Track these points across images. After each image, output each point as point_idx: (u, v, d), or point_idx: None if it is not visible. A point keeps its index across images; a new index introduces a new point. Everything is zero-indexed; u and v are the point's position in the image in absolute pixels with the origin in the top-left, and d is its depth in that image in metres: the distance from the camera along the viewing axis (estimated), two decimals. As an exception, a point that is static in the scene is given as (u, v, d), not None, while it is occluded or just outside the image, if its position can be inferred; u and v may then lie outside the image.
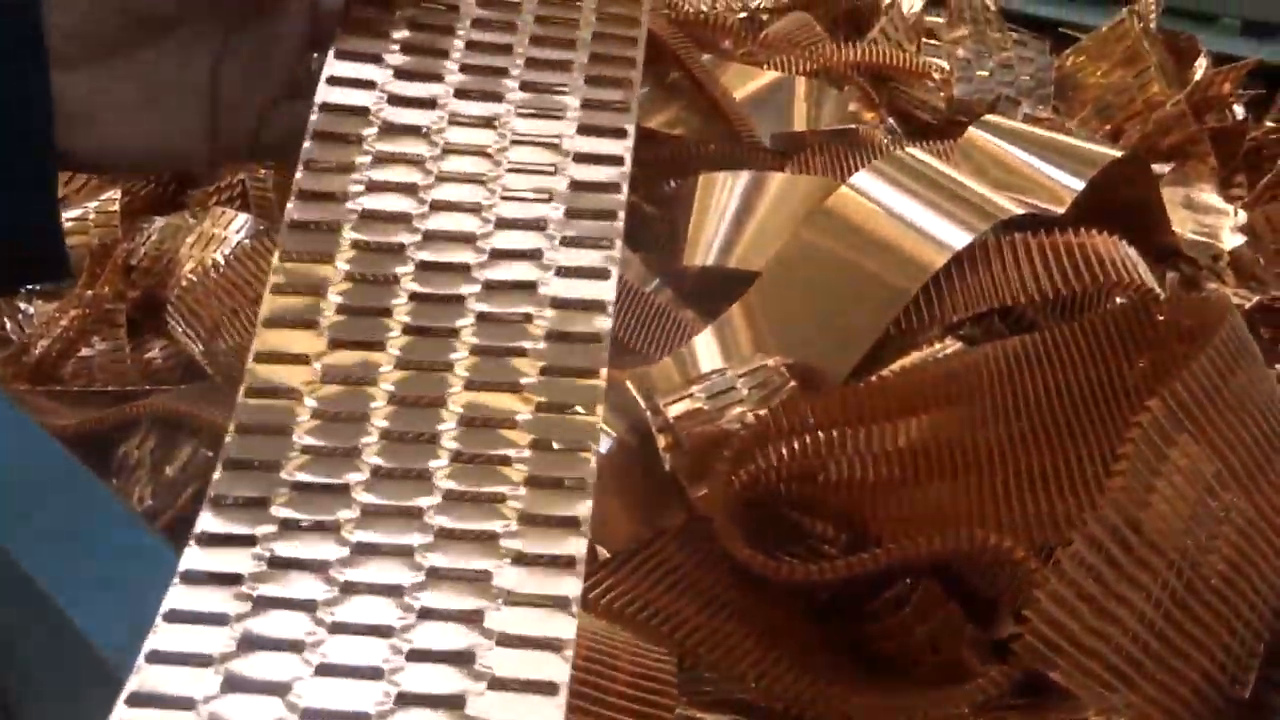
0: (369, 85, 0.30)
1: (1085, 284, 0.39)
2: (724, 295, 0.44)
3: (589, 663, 0.31)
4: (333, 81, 0.30)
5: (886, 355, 0.41)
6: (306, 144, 0.29)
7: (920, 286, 0.40)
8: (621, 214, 0.29)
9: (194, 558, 0.23)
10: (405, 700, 0.21)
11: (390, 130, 0.30)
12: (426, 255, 0.28)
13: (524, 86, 0.30)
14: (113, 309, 0.55)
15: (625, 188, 0.29)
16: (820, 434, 0.38)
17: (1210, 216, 0.54)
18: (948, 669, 0.37)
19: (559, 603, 0.22)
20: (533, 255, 0.28)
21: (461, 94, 0.30)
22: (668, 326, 0.43)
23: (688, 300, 0.45)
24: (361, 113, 0.30)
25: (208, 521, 0.24)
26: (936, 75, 0.55)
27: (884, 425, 0.38)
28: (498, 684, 0.21)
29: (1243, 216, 0.53)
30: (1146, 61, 0.61)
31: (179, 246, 0.57)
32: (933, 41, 0.64)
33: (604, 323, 0.27)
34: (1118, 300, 0.41)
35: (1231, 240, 0.51)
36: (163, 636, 0.22)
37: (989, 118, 0.46)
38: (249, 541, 0.23)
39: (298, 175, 0.29)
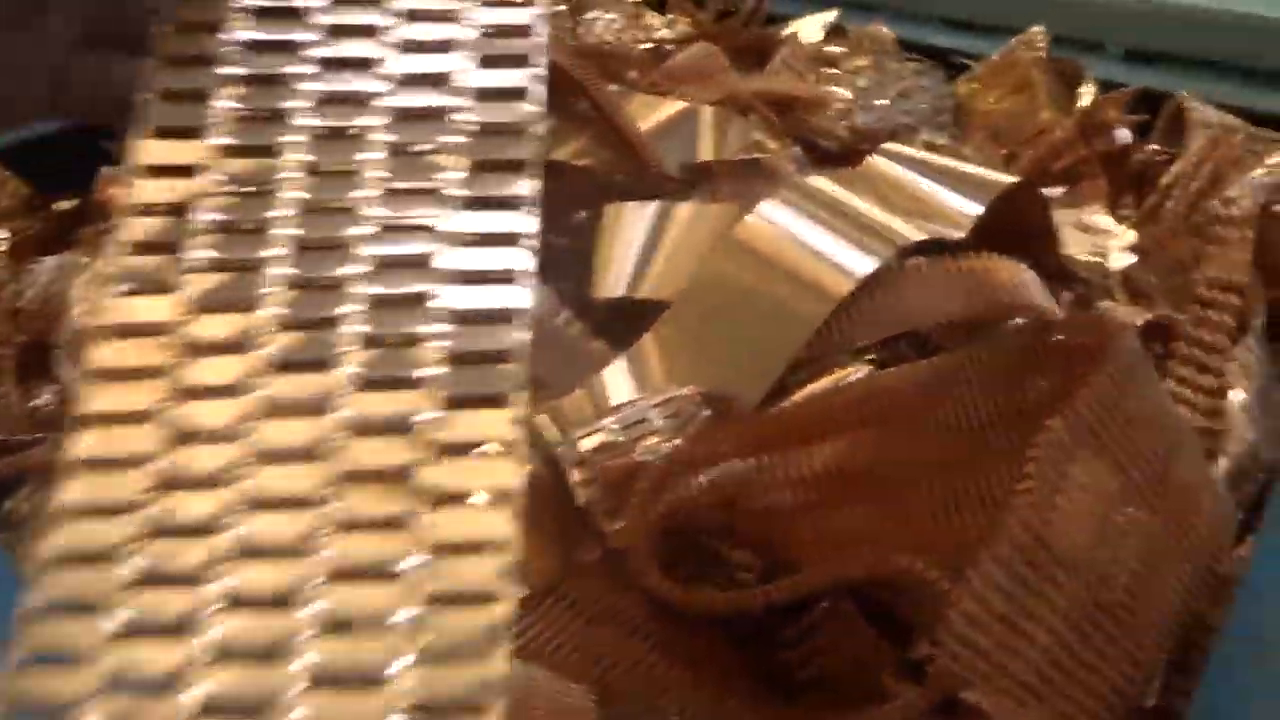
0: None
1: (986, 306, 0.40)
2: (635, 326, 0.44)
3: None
4: None
5: (797, 381, 0.41)
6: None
7: (828, 313, 0.41)
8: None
9: None
10: None
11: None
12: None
13: None
14: (1, 354, 0.53)
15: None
16: (735, 462, 0.38)
17: (1101, 237, 0.55)
18: (867, 691, 0.37)
19: None
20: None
21: None
22: (579, 359, 0.43)
23: (599, 332, 0.45)
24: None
25: None
26: (838, 104, 0.56)
27: (797, 451, 0.39)
28: None
29: (1132, 236, 0.55)
30: (1037, 89, 0.63)
31: (69, 287, 0.55)
32: (833, 71, 0.65)
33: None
34: (1017, 322, 0.42)
35: (1122, 259, 0.53)
36: None
37: (890, 145, 0.47)
38: None
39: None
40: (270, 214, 0.26)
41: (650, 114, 0.54)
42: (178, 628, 0.21)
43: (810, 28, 0.71)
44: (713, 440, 0.38)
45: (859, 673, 0.37)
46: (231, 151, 0.27)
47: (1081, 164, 0.59)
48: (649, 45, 0.69)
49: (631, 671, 0.34)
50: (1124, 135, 0.64)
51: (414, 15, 0.30)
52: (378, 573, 0.22)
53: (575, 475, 0.38)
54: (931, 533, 0.37)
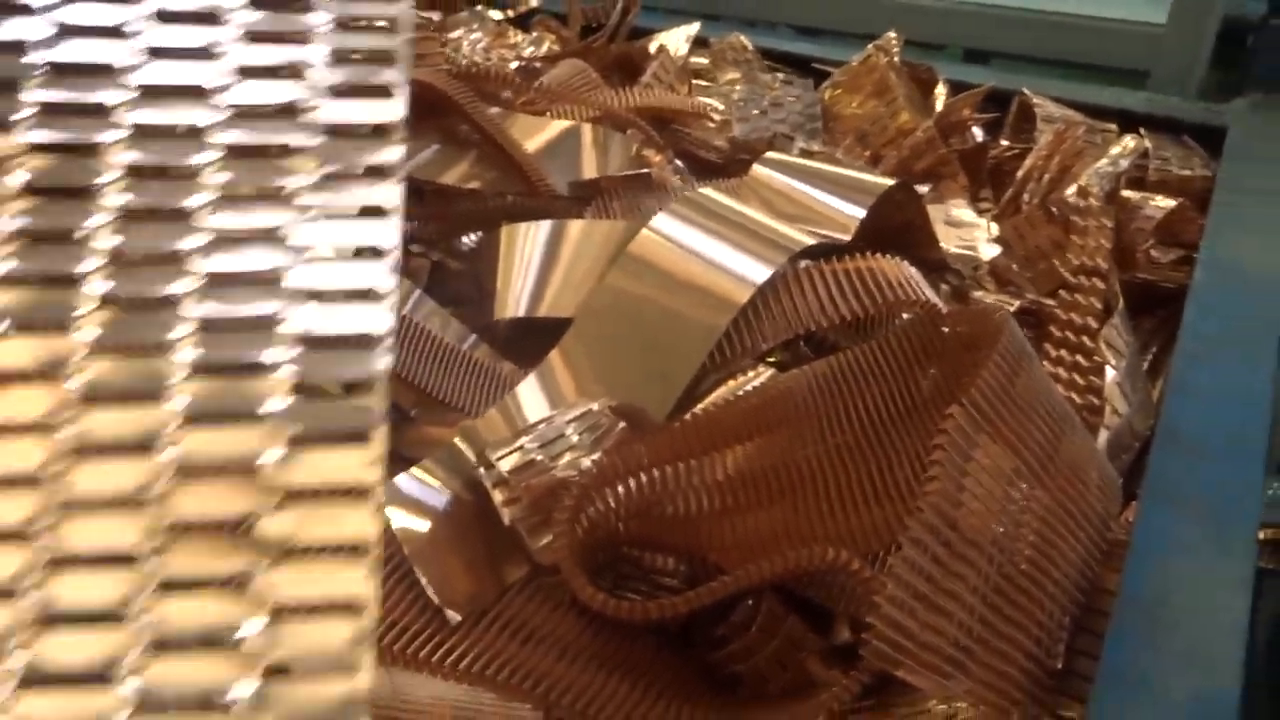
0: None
1: (876, 304, 0.42)
2: (539, 345, 0.45)
3: (458, 729, 0.31)
4: None
5: (704, 389, 0.42)
6: None
7: (729, 321, 0.42)
8: None
9: None
10: None
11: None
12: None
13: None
14: None
15: None
16: (654, 471, 0.39)
17: (967, 230, 0.59)
18: (796, 681, 0.38)
19: None
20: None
21: None
22: (488, 382, 0.43)
23: (505, 353, 0.45)
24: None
25: None
26: (715, 116, 0.57)
27: (711, 456, 0.40)
28: None
29: (995, 228, 0.58)
30: (895, 92, 0.66)
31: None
32: (702, 83, 0.67)
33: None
34: (904, 316, 0.45)
35: (989, 251, 0.56)
36: None
37: (770, 155, 0.49)
38: None
39: None
40: (87, 222, 0.23)
41: (532, 135, 0.55)
42: None
43: (675, 39, 0.73)
44: (628, 452, 0.39)
45: (786, 664, 0.39)
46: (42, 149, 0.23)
47: (941, 163, 0.62)
48: (518, 64, 0.69)
49: (572, 689, 0.35)
50: (977, 133, 0.68)
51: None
52: (211, 641, 0.19)
53: (498, 495, 0.38)
54: (841, 525, 0.39)
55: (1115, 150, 0.62)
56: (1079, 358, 0.44)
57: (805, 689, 0.37)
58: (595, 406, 0.41)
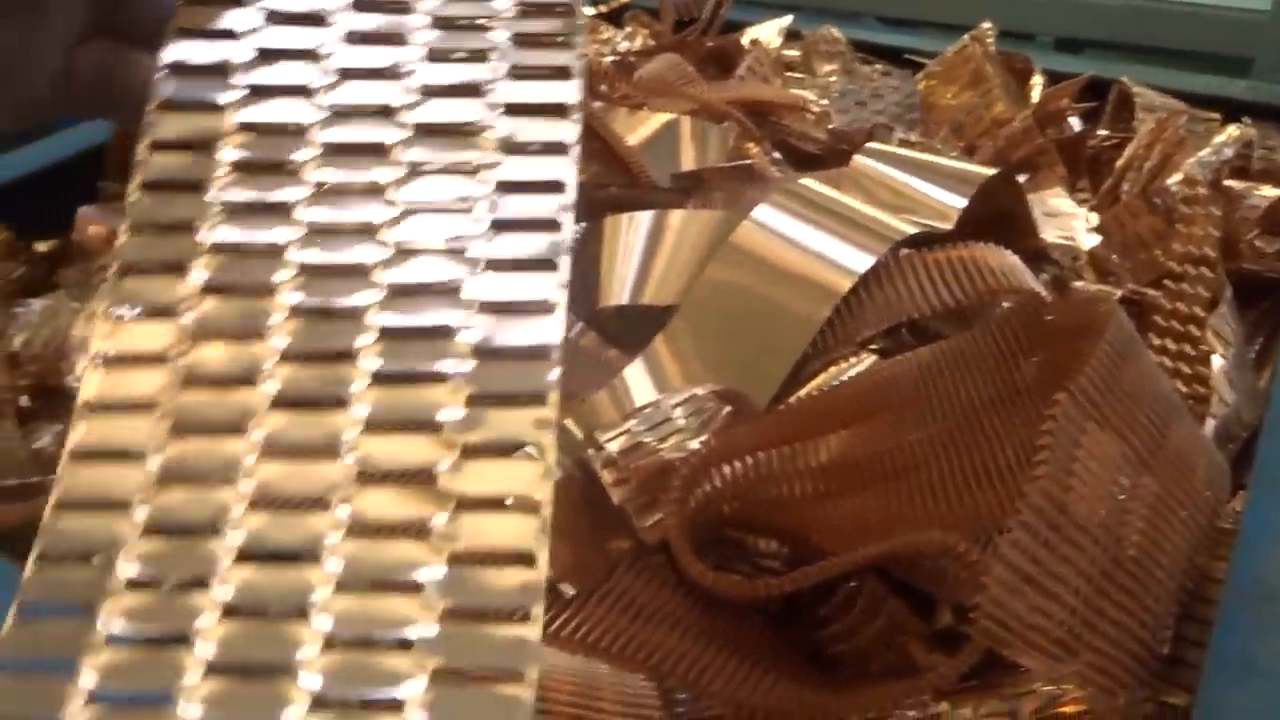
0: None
1: (978, 292, 0.42)
2: (642, 332, 0.46)
3: (575, 696, 0.32)
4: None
5: (806, 375, 0.43)
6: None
7: (830, 311, 0.43)
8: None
9: None
10: None
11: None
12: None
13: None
14: (4, 399, 0.53)
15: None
16: (758, 455, 0.40)
17: (1065, 220, 0.58)
18: (897, 662, 0.39)
19: None
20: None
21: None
22: (596, 367, 0.45)
23: (609, 340, 0.47)
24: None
25: None
26: (815, 108, 0.58)
27: (814, 441, 0.41)
28: None
29: (1095, 218, 0.58)
30: (990, 82, 0.66)
31: (65, 329, 0.55)
32: (796, 75, 0.68)
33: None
34: (1005, 305, 0.45)
35: (1088, 240, 0.56)
36: None
37: (872, 145, 0.49)
38: None
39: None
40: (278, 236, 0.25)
41: (633, 129, 0.56)
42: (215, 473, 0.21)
43: (767, 32, 0.73)
44: (733, 436, 0.40)
45: (888, 645, 0.39)
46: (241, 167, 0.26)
47: (1039, 153, 0.62)
48: (613, 58, 0.70)
49: (680, 661, 0.36)
50: (1074, 123, 0.67)
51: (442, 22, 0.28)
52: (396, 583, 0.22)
53: (607, 476, 0.40)
54: (943, 510, 0.39)
55: (1219, 139, 0.61)
56: (1185, 347, 0.44)
57: (907, 671, 0.38)
58: (700, 391, 0.42)
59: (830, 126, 0.56)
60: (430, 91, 0.27)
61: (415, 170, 0.26)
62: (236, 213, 0.25)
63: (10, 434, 0.53)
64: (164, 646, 0.20)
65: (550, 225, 0.26)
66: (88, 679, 0.20)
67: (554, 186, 0.26)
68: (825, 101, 0.59)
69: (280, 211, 0.25)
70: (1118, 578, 0.34)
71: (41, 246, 0.64)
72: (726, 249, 0.46)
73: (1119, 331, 0.37)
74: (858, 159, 0.48)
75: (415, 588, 0.21)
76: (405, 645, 0.20)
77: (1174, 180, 0.56)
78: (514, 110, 0.27)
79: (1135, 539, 0.35)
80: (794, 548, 0.41)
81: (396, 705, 0.20)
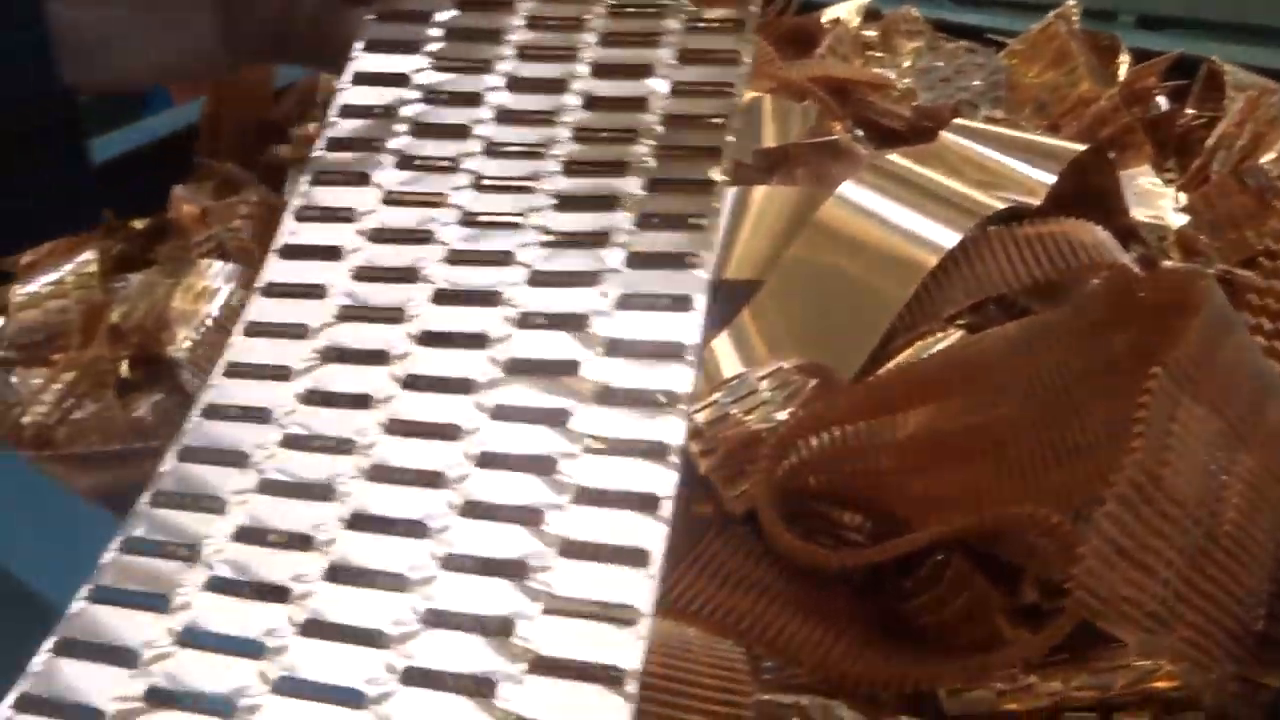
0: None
1: (1069, 267, 0.42)
2: (724, 308, 0.46)
3: (668, 659, 0.33)
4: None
5: (892, 350, 0.43)
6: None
7: (915, 288, 0.43)
8: None
9: None
10: None
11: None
12: None
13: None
14: (105, 370, 0.55)
15: None
16: (845, 428, 0.40)
17: (1153, 199, 0.57)
18: (983, 637, 0.39)
19: None
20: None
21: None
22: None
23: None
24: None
25: None
26: (900, 85, 0.58)
27: (902, 415, 0.41)
28: None
29: (1183, 198, 0.57)
30: (1075, 60, 0.65)
31: (166, 301, 0.57)
32: (876, 54, 0.67)
33: None
34: (1095, 281, 0.45)
35: (1177, 220, 0.55)
36: None
37: (959, 121, 0.49)
38: None
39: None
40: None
41: (715, 104, 0.56)
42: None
43: (847, 12, 0.73)
44: (819, 409, 0.40)
45: (973, 619, 0.39)
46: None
47: (1126, 131, 0.61)
48: (692, 38, 0.70)
49: (771, 628, 0.36)
50: (1161, 102, 0.66)
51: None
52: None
53: (694, 446, 0.40)
54: (1031, 485, 0.39)
55: (1314, 118, 0.60)
56: (1281, 325, 0.44)
57: (992, 645, 0.38)
58: (786, 365, 0.42)
59: (915, 103, 0.56)
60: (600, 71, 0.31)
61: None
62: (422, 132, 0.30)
63: (111, 403, 0.55)
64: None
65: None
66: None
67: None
68: (907, 80, 0.59)
69: (461, 133, 0.30)
70: (1212, 553, 0.34)
71: (138, 224, 0.66)
72: (813, 225, 0.46)
73: (1215, 306, 0.37)
74: (945, 135, 0.48)
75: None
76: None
77: (1267, 159, 0.55)
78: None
79: (1231, 515, 0.35)
80: (877, 521, 0.41)
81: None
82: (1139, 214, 0.54)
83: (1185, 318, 0.38)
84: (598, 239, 0.28)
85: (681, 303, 0.28)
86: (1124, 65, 0.67)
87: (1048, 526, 0.34)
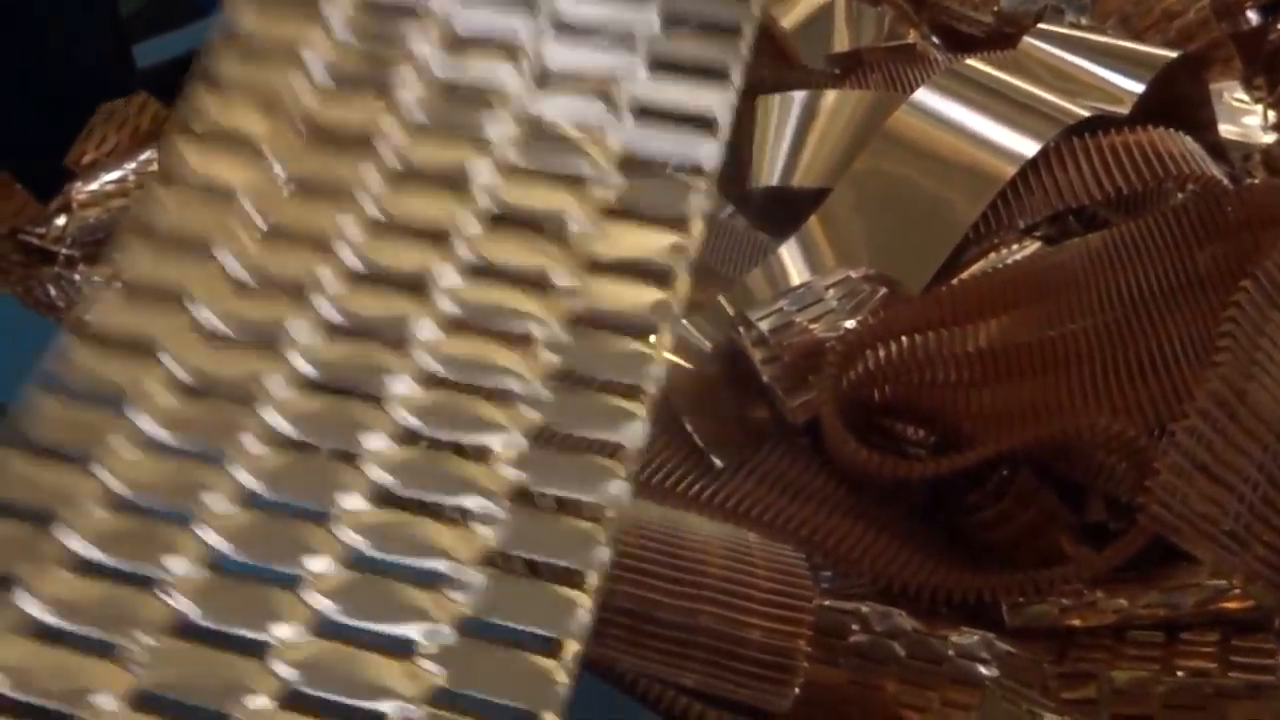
0: None
1: (1156, 177, 0.40)
2: (791, 215, 0.45)
3: (730, 561, 0.32)
4: None
5: (965, 260, 0.42)
6: None
7: (990, 199, 0.42)
8: None
9: None
10: None
11: None
12: None
13: None
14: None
15: None
16: (914, 337, 0.39)
17: (1240, 116, 0.55)
18: (1045, 553, 0.38)
19: None
20: None
21: None
22: (745, 247, 0.44)
23: (758, 222, 0.46)
24: None
25: None
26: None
27: (974, 324, 0.40)
28: None
29: (1272, 115, 0.54)
30: (1164, -29, 0.62)
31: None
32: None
33: None
34: (1180, 195, 0.43)
35: (1266, 137, 0.53)
36: None
37: (1044, 26, 0.47)
38: None
39: None
40: None
41: (786, 9, 0.54)
42: None
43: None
44: (889, 316, 0.39)
45: (1037, 536, 0.39)
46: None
47: (1214, 46, 0.58)
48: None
49: (831, 536, 0.36)
50: (1252, 16, 0.63)
51: None
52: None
53: (757, 354, 0.39)
54: (1105, 400, 0.38)
55: None
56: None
57: (1055, 563, 0.37)
58: (854, 274, 0.41)
59: (996, 8, 0.54)
60: None
61: None
62: None
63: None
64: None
65: None
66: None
67: None
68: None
69: None
70: (1295, 473, 0.33)
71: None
72: (884, 133, 0.44)
73: (1312, 220, 0.35)
74: (1027, 40, 0.46)
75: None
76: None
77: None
78: None
79: (1315, 435, 0.34)
80: (943, 435, 0.40)
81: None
82: (1225, 130, 0.52)
83: (1275, 233, 0.36)
84: None
85: None
86: (1215, -23, 0.64)
87: (1124, 440, 0.33)
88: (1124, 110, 0.43)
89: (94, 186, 0.60)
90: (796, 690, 0.31)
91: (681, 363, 0.39)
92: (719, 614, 0.31)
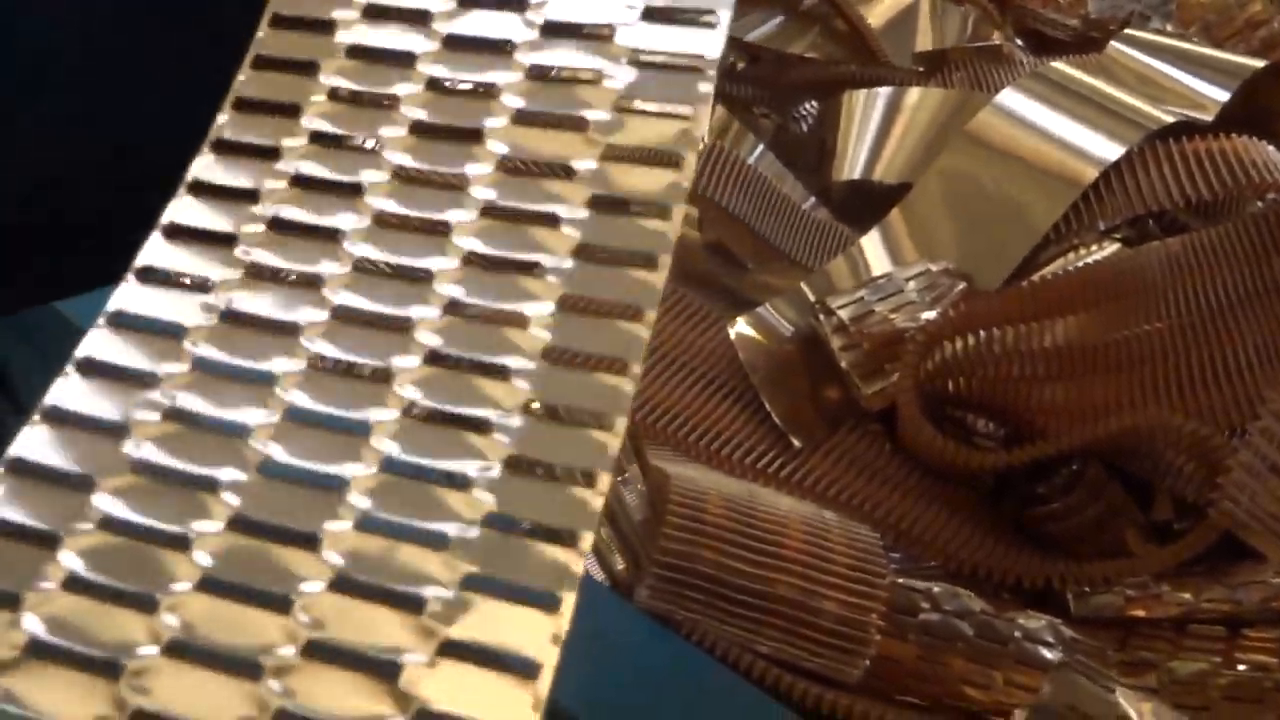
0: None
1: (1237, 185, 0.41)
2: (873, 209, 0.46)
3: (809, 535, 0.34)
4: None
5: (1044, 259, 0.43)
6: None
7: (1070, 202, 0.43)
8: None
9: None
10: None
11: None
12: None
13: None
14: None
15: None
16: (992, 331, 0.40)
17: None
18: (1112, 549, 0.39)
19: None
20: None
21: None
22: (827, 239, 0.46)
23: (839, 215, 0.47)
24: None
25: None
26: (1064, -5, 0.56)
27: (1052, 321, 0.41)
28: None
29: (1354, 129, 0.55)
30: (1249, -21, 0.62)
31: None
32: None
33: None
34: (1259, 203, 0.43)
35: (1347, 150, 0.53)
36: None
37: (1130, 31, 0.48)
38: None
39: None
40: None
41: (872, 7, 0.55)
42: None
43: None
44: (968, 309, 0.41)
45: (1103, 530, 0.40)
46: None
47: (1297, 56, 0.58)
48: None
49: (905, 518, 0.37)
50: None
51: None
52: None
53: (836, 341, 0.41)
54: (1177, 403, 0.39)
55: None
56: None
57: (1119, 556, 0.38)
58: (934, 267, 0.42)
59: (1082, 12, 0.55)
60: None
61: None
62: None
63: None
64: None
65: None
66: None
67: None
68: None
69: None
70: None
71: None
72: (966, 133, 0.45)
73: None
74: (1114, 45, 0.47)
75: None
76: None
77: None
78: None
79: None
80: (1014, 428, 0.41)
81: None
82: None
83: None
84: None
85: None
86: (1301, -13, 0.64)
87: (1198, 438, 0.34)
88: (1208, 117, 0.44)
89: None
90: (867, 662, 0.32)
91: (763, 341, 0.41)
92: (797, 584, 0.32)
